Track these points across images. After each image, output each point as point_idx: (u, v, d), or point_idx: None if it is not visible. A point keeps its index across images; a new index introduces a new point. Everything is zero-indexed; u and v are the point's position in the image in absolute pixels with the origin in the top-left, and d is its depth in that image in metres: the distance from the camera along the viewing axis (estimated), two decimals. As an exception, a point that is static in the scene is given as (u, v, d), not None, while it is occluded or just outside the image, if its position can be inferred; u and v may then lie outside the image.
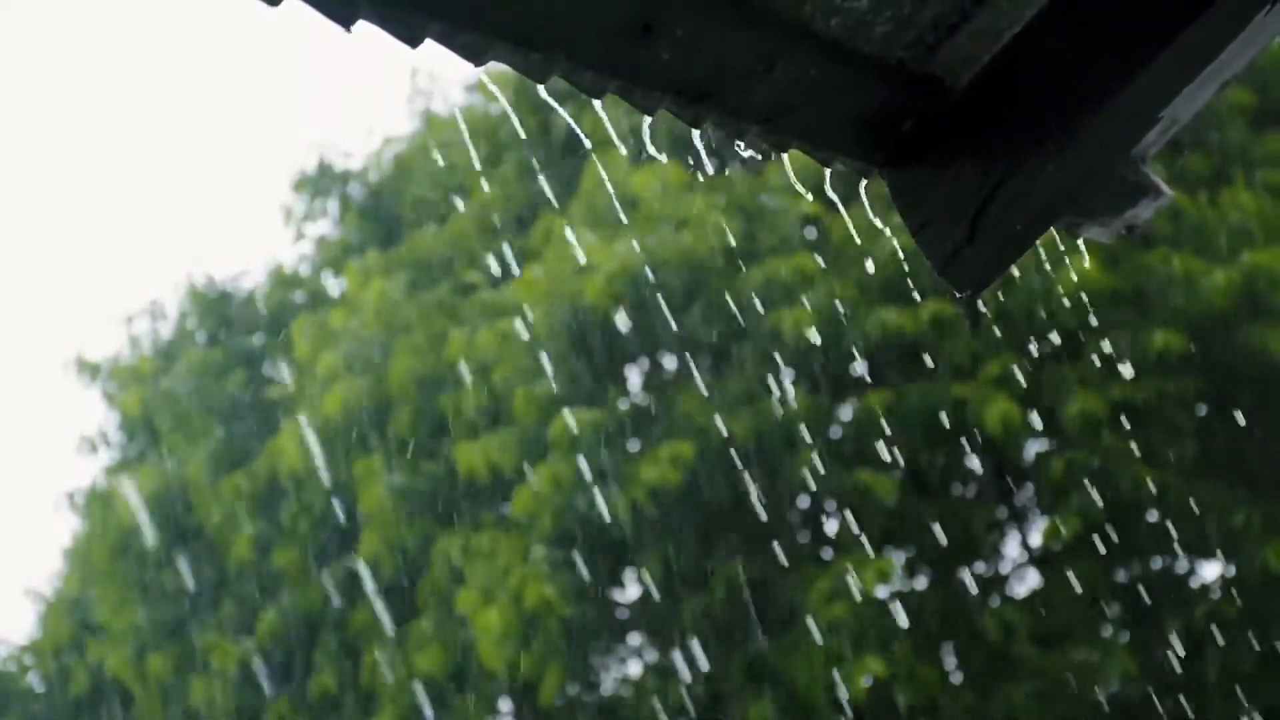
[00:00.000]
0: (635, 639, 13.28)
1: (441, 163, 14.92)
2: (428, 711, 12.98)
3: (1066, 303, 11.54)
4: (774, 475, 11.86)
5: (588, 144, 13.42)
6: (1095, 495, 11.57)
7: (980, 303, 10.82)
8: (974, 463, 12.71)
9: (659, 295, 11.86)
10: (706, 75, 2.07)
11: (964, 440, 11.91)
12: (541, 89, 2.01)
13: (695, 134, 2.18)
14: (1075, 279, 11.47)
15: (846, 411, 12.45)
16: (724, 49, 2.07)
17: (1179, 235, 11.99)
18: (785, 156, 2.32)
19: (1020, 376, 11.63)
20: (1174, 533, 11.93)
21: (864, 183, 2.44)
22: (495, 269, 13.36)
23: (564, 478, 11.79)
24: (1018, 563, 12.99)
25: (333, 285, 15.85)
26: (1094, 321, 11.70)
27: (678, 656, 12.33)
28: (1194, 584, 12.70)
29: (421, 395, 13.04)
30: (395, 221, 15.26)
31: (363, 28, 1.75)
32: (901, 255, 10.09)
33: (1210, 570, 12.66)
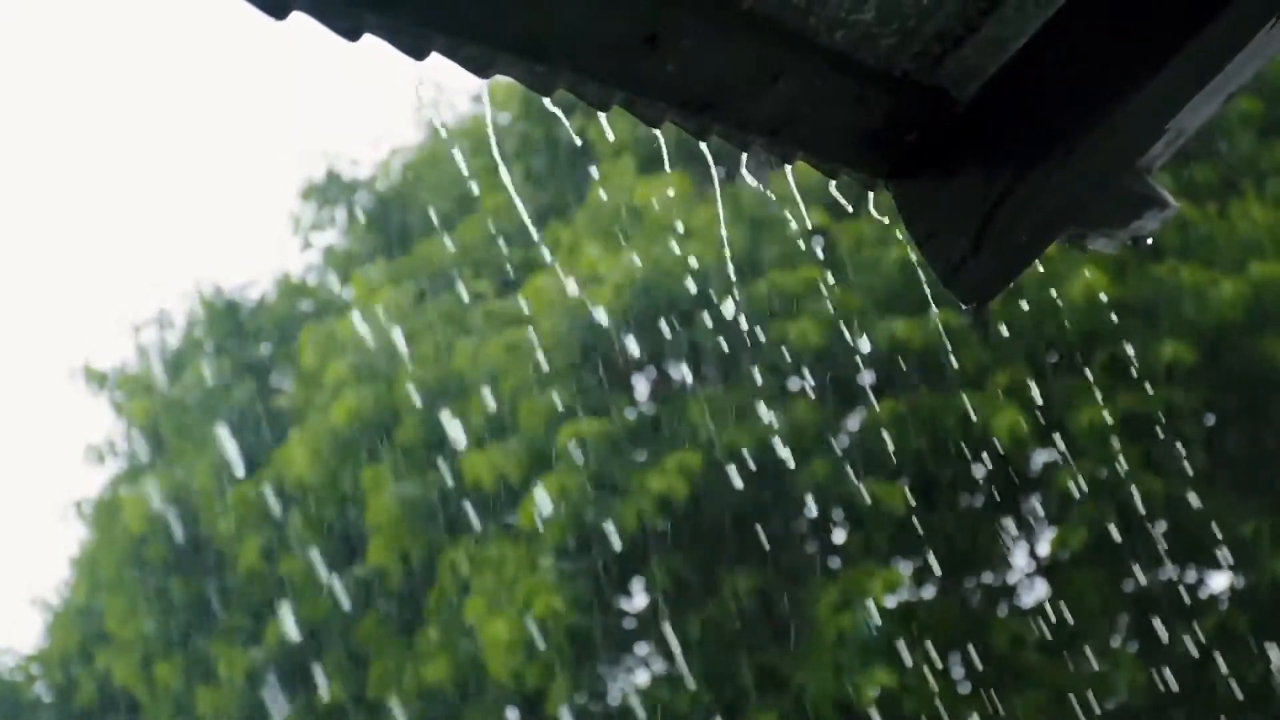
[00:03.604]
0: (643, 649, 13.27)
1: (448, 172, 14.93)
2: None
3: (1075, 313, 11.54)
4: (782, 485, 11.86)
5: (595, 154, 13.41)
6: (1103, 505, 11.57)
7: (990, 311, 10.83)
8: (982, 473, 12.70)
9: (666, 305, 11.87)
10: (711, 87, 2.07)
11: (972, 450, 11.91)
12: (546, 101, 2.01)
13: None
14: (1083, 289, 11.47)
15: (854, 421, 12.45)
16: (729, 61, 2.07)
17: (1187, 246, 11.98)
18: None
19: (1029, 387, 11.63)
20: (1182, 543, 11.91)
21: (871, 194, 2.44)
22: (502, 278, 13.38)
23: (571, 488, 11.79)
24: (1026, 572, 12.98)
25: (341, 294, 15.85)
26: (1102, 332, 11.70)
27: (685, 666, 12.33)
28: (1203, 594, 12.69)
29: (429, 405, 13.04)
30: (403, 231, 15.28)
31: (368, 40, 1.75)
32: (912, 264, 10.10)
33: (1219, 580, 12.65)
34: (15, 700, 17.65)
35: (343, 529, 13.61)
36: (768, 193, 11.90)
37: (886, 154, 2.33)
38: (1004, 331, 11.84)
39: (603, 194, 12.85)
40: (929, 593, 12.67)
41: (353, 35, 1.72)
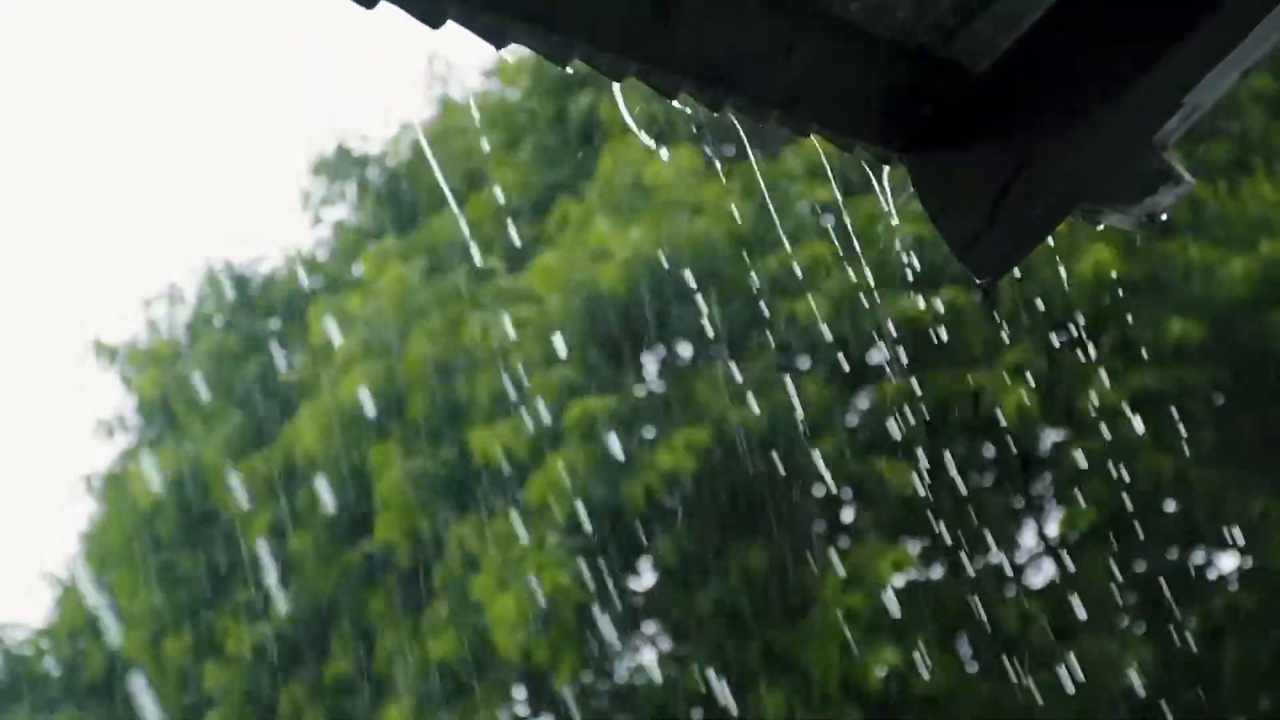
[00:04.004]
0: (650, 627, 13.28)
1: (459, 147, 14.92)
2: (442, 698, 13.00)
3: (1084, 291, 11.52)
4: (790, 463, 11.86)
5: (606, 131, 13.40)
6: (1112, 485, 11.56)
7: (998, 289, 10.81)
8: (991, 452, 12.69)
9: (676, 281, 11.85)
10: (726, 59, 2.07)
11: (980, 430, 11.90)
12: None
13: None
14: (1093, 266, 11.45)
15: (863, 399, 12.44)
16: (744, 33, 2.06)
17: (1198, 224, 11.95)
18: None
19: (1038, 365, 11.62)
20: (1191, 523, 11.90)
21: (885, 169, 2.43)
22: (512, 255, 13.37)
23: (579, 464, 11.79)
24: (1034, 552, 12.97)
25: (351, 269, 15.85)
26: (1112, 310, 11.68)
27: (692, 644, 12.33)
28: (1211, 575, 12.68)
29: (438, 381, 13.04)
30: (413, 206, 15.27)
31: (384, 8, 1.74)
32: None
33: (1228, 561, 12.64)
34: (24, 674, 17.68)
35: (351, 504, 13.62)
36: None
37: (901, 127, 2.33)
38: (1012, 308, 11.82)
39: (613, 166, 12.83)
40: (937, 572, 12.66)
41: (369, 3, 1.72)
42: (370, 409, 13.23)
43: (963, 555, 12.58)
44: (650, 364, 13.05)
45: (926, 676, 11.56)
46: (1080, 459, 11.73)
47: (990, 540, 12.69)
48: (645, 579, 13.10)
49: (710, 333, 12.19)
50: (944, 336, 11.65)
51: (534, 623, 11.97)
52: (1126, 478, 11.50)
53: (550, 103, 14.21)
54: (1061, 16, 2.30)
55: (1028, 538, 13.06)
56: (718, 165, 12.93)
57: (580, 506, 11.82)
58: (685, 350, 12.90)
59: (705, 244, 12.04)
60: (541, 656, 12.17)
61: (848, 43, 2.18)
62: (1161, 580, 12.28)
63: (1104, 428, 11.51)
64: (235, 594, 14.66)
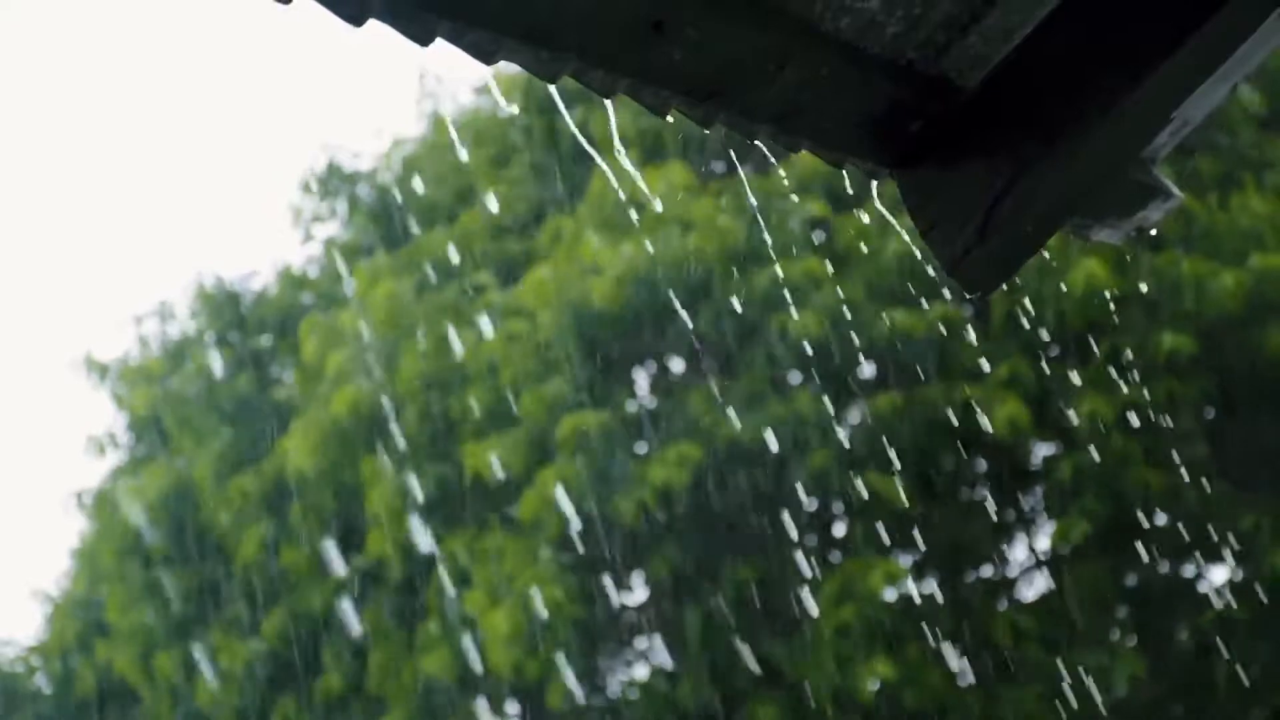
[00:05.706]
0: (642, 642, 13.27)
1: (450, 164, 14.92)
2: (434, 714, 12.98)
3: (1075, 305, 11.53)
4: (782, 477, 11.85)
5: (596, 148, 13.40)
6: (1103, 498, 11.56)
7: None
8: (982, 465, 12.69)
9: (668, 296, 11.86)
10: (717, 74, 2.07)
11: (972, 443, 11.90)
12: (551, 88, 2.01)
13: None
14: (1084, 280, 11.46)
15: (854, 414, 12.44)
16: (735, 48, 2.07)
17: (1189, 238, 11.98)
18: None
19: (1029, 379, 11.62)
20: (1183, 536, 11.90)
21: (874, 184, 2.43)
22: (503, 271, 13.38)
23: (571, 479, 11.78)
24: (1025, 566, 12.97)
25: (342, 285, 15.84)
26: (1103, 324, 11.69)
27: (685, 659, 12.32)
28: (1202, 588, 12.68)
29: (429, 396, 13.03)
30: (404, 223, 15.27)
31: (373, 26, 1.74)
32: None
33: (1219, 574, 12.65)
34: (15, 691, 17.65)
35: (343, 520, 13.61)
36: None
37: (891, 143, 2.33)
38: (1003, 322, 11.83)
39: (604, 182, 12.83)
40: (928, 586, 12.66)
41: (357, 20, 1.72)
42: (361, 425, 13.23)
43: (954, 568, 12.58)
44: (641, 379, 13.06)
45: (918, 690, 11.56)
46: (1071, 472, 11.73)
47: (982, 553, 12.70)
48: (638, 594, 13.09)
49: (701, 347, 12.20)
50: (934, 350, 11.66)
51: (526, 638, 11.95)
52: (1118, 491, 11.51)
53: (542, 118, 14.21)
54: (1052, 31, 2.30)
55: (1019, 551, 13.06)
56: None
57: (572, 521, 11.82)
58: (677, 365, 12.91)
59: (697, 259, 12.04)
60: (534, 672, 12.15)
61: (838, 59, 2.18)
62: (1153, 593, 12.29)
63: (1095, 441, 11.52)
64: (226, 610, 14.64)
